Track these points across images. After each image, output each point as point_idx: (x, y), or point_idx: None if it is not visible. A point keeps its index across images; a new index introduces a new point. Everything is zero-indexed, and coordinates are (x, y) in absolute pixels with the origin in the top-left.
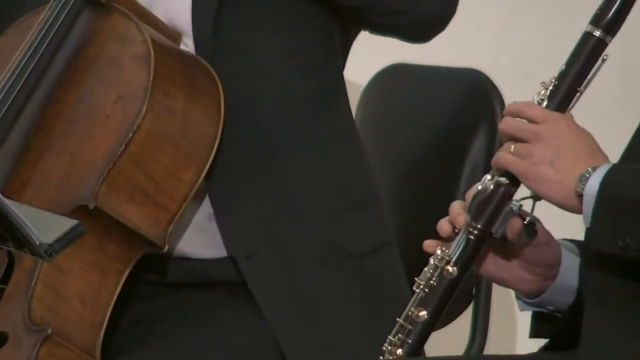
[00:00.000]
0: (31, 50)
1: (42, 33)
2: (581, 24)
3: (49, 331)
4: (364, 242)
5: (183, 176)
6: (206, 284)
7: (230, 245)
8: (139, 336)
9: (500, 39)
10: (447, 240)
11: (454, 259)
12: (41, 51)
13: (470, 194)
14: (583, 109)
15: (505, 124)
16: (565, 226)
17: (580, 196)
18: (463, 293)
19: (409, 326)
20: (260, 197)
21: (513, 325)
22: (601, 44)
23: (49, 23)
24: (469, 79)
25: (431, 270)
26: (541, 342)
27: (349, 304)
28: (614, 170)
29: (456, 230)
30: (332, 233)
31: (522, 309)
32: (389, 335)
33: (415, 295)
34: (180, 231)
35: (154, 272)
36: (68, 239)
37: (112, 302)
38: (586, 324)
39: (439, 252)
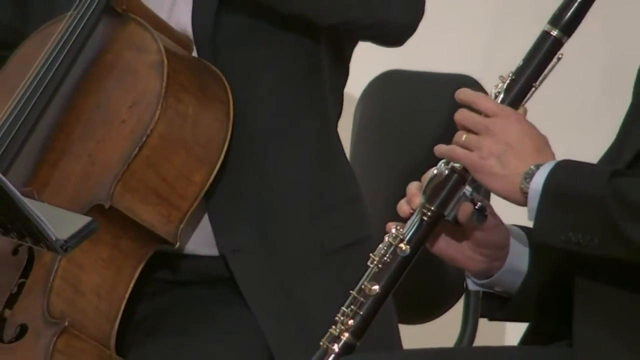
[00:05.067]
0: (52, 57)
1: (63, 41)
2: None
3: (67, 324)
4: (341, 238)
5: (194, 177)
6: (210, 281)
7: (219, 243)
8: (148, 330)
9: (490, 47)
10: (406, 220)
11: (407, 237)
12: (61, 58)
13: (426, 177)
14: (568, 108)
15: (460, 116)
16: (515, 209)
17: (524, 192)
18: (454, 287)
19: (362, 299)
20: (246, 196)
21: None
22: (558, 43)
23: (69, 31)
24: (460, 84)
25: (385, 247)
26: None
27: (329, 296)
28: (557, 168)
29: (412, 211)
30: (312, 231)
31: (471, 288)
32: (342, 306)
33: (369, 270)
34: (190, 229)
35: (161, 270)
36: (82, 235)
37: (127, 296)
38: (576, 321)
39: (393, 230)
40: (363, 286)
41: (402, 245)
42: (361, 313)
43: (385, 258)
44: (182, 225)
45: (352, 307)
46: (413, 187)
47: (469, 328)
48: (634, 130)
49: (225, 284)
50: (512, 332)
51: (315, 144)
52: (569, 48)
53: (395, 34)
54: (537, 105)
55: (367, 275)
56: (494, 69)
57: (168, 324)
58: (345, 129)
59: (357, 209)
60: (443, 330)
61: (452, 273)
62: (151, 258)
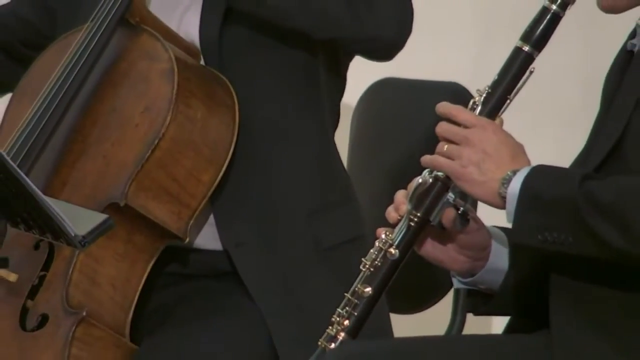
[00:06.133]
0: (71, 64)
1: (81, 50)
2: (553, 42)
3: (85, 313)
4: (337, 236)
5: (202, 177)
6: (217, 274)
7: (222, 238)
8: (159, 319)
9: (478, 56)
10: (394, 225)
11: (396, 242)
12: (80, 66)
13: (412, 186)
14: (549, 116)
15: (441, 128)
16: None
17: (502, 197)
18: (445, 280)
19: (355, 300)
20: (249, 195)
21: None
22: (529, 58)
23: (86, 42)
24: (450, 91)
25: (376, 252)
26: None
27: (327, 290)
28: (532, 173)
29: (399, 217)
30: (309, 229)
31: (456, 287)
32: (338, 308)
33: (361, 274)
34: (199, 225)
35: (172, 263)
36: (99, 231)
37: (140, 287)
38: (552, 313)
39: (383, 236)
40: (356, 289)
41: (391, 249)
42: (355, 314)
43: (376, 262)
44: (191, 222)
45: (347, 308)
46: (400, 195)
47: (458, 318)
48: (600, 137)
49: (232, 277)
50: (498, 322)
51: (314, 147)
52: (550, 61)
53: (383, 49)
54: (520, 113)
55: (360, 278)
56: (481, 77)
57: (178, 314)
58: (342, 135)
59: (352, 208)
60: (434, 320)
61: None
62: (162, 252)
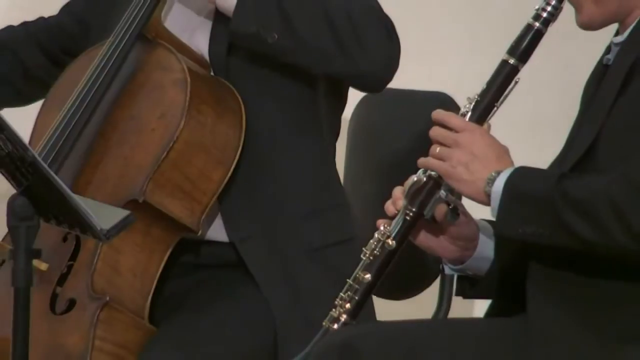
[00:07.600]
0: (95, 75)
1: (103, 63)
2: (538, 54)
3: (108, 298)
4: (327, 237)
5: (213, 176)
6: (227, 264)
7: (229, 232)
8: (175, 305)
9: (463, 68)
10: (392, 218)
11: (393, 234)
12: (102, 77)
13: (407, 183)
14: (531, 123)
15: (434, 132)
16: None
17: (488, 195)
18: (432, 269)
19: (356, 286)
20: (252, 195)
21: None
22: (514, 70)
23: (108, 55)
24: (438, 100)
25: (375, 242)
26: None
27: (322, 285)
28: (514, 173)
29: (396, 211)
30: (304, 229)
31: (447, 273)
32: (341, 292)
33: (362, 262)
34: (210, 219)
35: (186, 254)
36: (122, 226)
37: (157, 275)
38: (529, 298)
39: (382, 227)
40: (357, 275)
41: (389, 240)
42: (356, 298)
43: (375, 251)
44: (203, 217)
45: (348, 292)
46: (397, 192)
47: (444, 303)
48: (577, 139)
49: (240, 268)
50: (480, 307)
51: (313, 157)
52: (532, 73)
53: (373, 83)
54: (506, 119)
55: (361, 266)
56: (466, 87)
57: (192, 300)
58: (339, 142)
59: (343, 213)
60: (422, 304)
61: (430, 258)
62: (177, 244)
